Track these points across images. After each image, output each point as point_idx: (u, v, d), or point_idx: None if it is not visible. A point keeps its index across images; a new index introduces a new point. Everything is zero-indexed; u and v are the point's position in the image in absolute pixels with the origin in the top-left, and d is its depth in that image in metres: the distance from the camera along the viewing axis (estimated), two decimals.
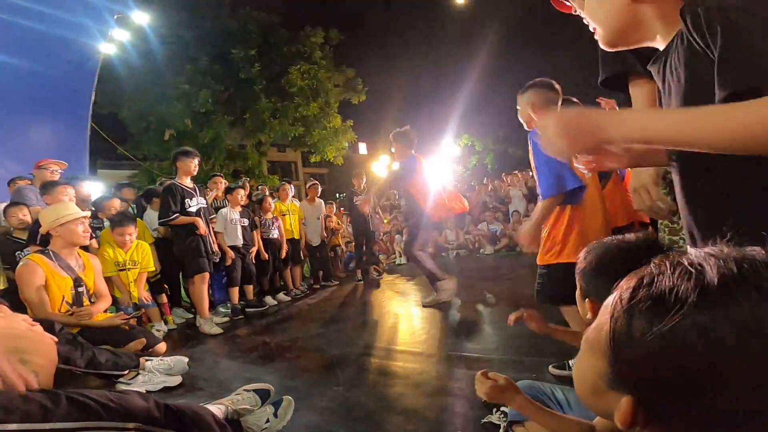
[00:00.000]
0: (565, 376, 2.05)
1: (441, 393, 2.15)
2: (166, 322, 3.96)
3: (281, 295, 5.17)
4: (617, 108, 2.62)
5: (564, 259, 2.05)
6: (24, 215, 3.42)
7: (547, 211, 2.06)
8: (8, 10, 5.39)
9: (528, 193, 9.31)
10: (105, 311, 3.06)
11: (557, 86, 2.13)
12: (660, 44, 0.87)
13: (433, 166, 4.50)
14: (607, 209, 2.22)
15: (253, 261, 4.82)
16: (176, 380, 2.51)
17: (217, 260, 4.25)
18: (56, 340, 1.83)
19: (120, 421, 1.04)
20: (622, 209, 2.47)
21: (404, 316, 3.93)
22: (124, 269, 3.65)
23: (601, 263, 0.97)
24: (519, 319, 1.57)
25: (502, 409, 1.74)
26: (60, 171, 4.10)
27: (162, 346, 2.94)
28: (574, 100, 2.46)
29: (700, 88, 0.73)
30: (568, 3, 1.58)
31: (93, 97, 7.68)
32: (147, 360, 2.56)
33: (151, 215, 4.27)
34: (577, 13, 1.66)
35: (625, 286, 0.44)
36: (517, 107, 2.24)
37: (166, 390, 2.44)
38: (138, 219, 4.03)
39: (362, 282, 6.08)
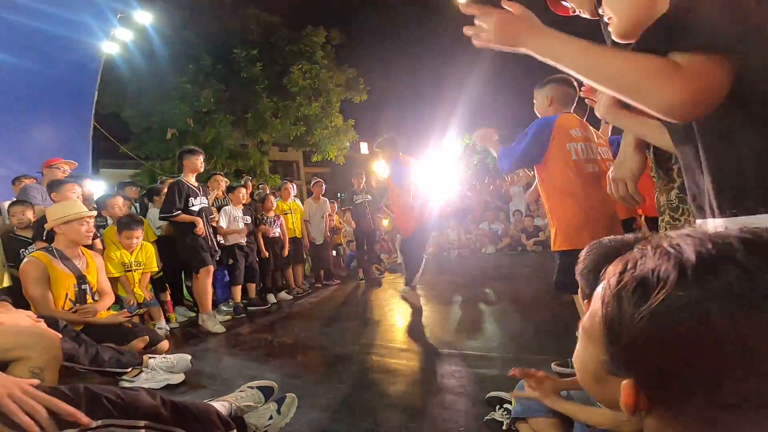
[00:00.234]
0: (568, 373, 2.06)
1: (443, 391, 2.16)
2: (168, 320, 3.97)
3: (283, 294, 5.18)
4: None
5: (567, 246, 2.08)
6: (24, 214, 3.43)
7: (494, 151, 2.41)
8: (11, 9, 5.40)
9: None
10: (108, 309, 3.07)
11: (575, 83, 2.20)
12: None
13: (422, 168, 4.38)
14: (612, 202, 2.23)
15: (257, 259, 4.83)
16: (179, 378, 2.52)
17: (218, 258, 4.27)
18: (60, 336, 1.84)
19: (130, 418, 1.04)
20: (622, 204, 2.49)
21: (406, 315, 3.93)
22: (130, 270, 3.67)
23: (599, 264, 0.97)
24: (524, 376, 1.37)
25: (505, 406, 1.74)
26: (69, 171, 4.13)
27: (165, 344, 2.95)
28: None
29: None
30: (565, 4, 1.59)
31: (96, 97, 7.69)
32: (150, 358, 2.57)
33: (154, 213, 4.28)
34: (576, 13, 1.67)
35: (611, 272, 0.46)
36: (534, 101, 2.35)
37: (169, 387, 2.44)
38: (141, 218, 4.05)
39: (364, 281, 6.08)
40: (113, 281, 3.49)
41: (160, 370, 2.51)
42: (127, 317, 2.88)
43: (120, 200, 4.14)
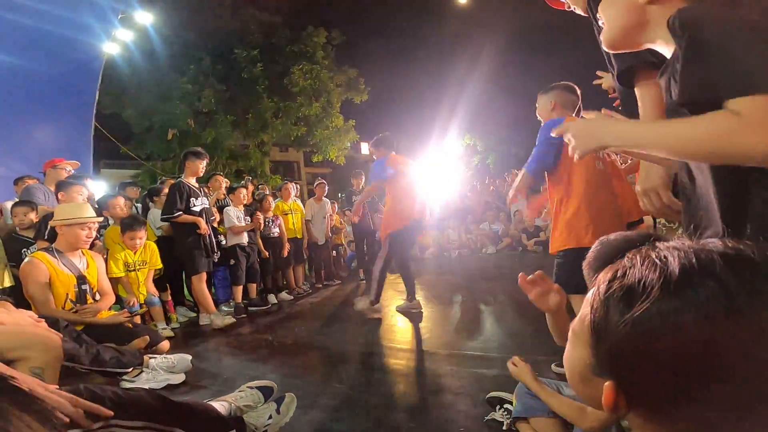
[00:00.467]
0: None
1: (444, 391, 2.16)
2: (169, 321, 3.97)
3: (284, 294, 5.18)
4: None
5: (571, 244, 2.08)
6: (27, 215, 3.43)
7: (522, 183, 2.30)
8: (12, 9, 5.41)
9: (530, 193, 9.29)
10: (109, 309, 3.08)
11: (578, 90, 2.31)
12: (663, 48, 0.89)
13: (419, 168, 4.18)
14: (620, 204, 2.23)
15: (259, 259, 4.84)
16: (180, 378, 2.52)
17: (216, 259, 4.28)
18: (61, 336, 1.85)
19: (131, 419, 1.04)
20: (634, 205, 2.49)
21: (406, 315, 3.93)
22: (134, 270, 3.68)
23: (600, 261, 0.97)
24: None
25: (506, 406, 1.74)
26: (72, 171, 4.14)
27: (165, 344, 2.96)
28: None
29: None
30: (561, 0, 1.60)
31: (97, 97, 7.70)
32: (151, 358, 2.57)
33: (155, 214, 4.29)
34: (571, 8, 1.67)
35: (602, 279, 0.48)
36: (536, 104, 2.38)
37: (170, 388, 2.44)
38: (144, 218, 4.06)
39: (364, 281, 6.08)
40: (115, 281, 3.50)
41: (161, 370, 2.51)
42: (127, 317, 2.88)
43: (121, 200, 4.14)
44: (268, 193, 5.84)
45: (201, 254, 3.90)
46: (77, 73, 7.05)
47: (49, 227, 3.10)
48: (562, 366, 1.93)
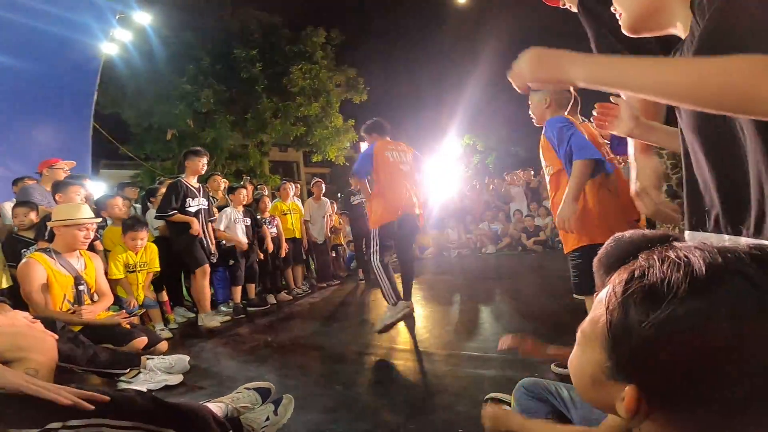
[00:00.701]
0: (568, 374, 2.04)
1: (442, 392, 2.15)
2: (167, 321, 3.96)
3: (283, 294, 5.17)
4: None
5: (585, 242, 2.06)
6: (27, 216, 3.42)
7: (582, 178, 1.99)
8: (10, 9, 5.40)
9: (530, 192, 9.29)
10: (107, 310, 3.07)
11: (571, 87, 2.17)
12: (681, 32, 0.86)
13: (407, 155, 3.58)
14: (623, 202, 2.21)
15: (259, 258, 4.83)
16: (177, 379, 2.51)
17: (215, 261, 4.26)
18: (56, 337, 1.83)
19: (120, 419, 1.03)
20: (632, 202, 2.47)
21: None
22: (134, 271, 3.67)
23: (613, 258, 0.95)
24: (511, 348, 1.52)
25: (504, 407, 1.73)
26: (69, 170, 4.14)
27: (163, 345, 2.95)
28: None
29: None
30: None
31: (95, 97, 7.69)
32: (148, 359, 2.56)
33: (152, 214, 4.29)
34: (566, 6, 1.66)
35: (617, 280, 0.46)
36: (529, 102, 2.30)
37: (168, 389, 2.44)
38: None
39: (363, 281, 6.07)
40: (114, 283, 3.48)
41: (158, 371, 2.50)
42: (125, 318, 2.87)
43: (119, 201, 4.13)
44: (265, 193, 5.83)
45: (199, 249, 3.89)
46: (75, 74, 7.04)
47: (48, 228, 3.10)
48: (561, 367, 1.92)
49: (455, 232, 8.84)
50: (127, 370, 2.44)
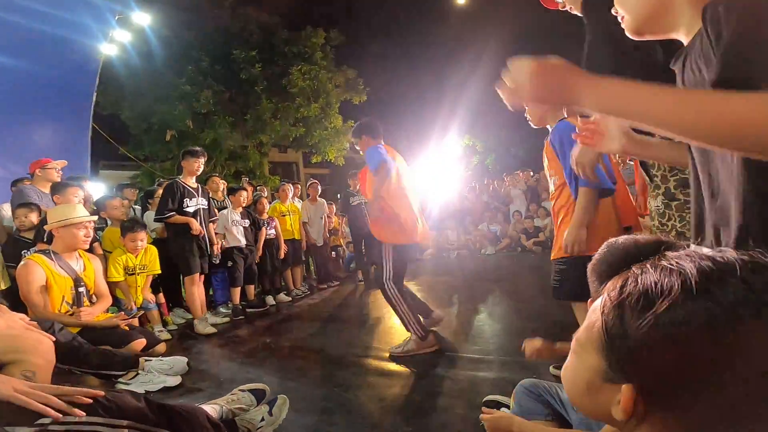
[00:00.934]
0: None
1: (441, 393, 2.14)
2: (165, 324, 3.95)
3: (282, 296, 5.17)
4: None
5: (591, 250, 2.03)
6: (27, 216, 3.42)
7: (588, 206, 1.94)
8: (10, 10, 5.39)
9: (529, 193, 9.30)
10: (106, 311, 3.06)
11: None
12: (683, 37, 0.84)
13: (410, 167, 3.28)
14: (618, 206, 2.19)
15: (258, 260, 4.82)
16: (175, 380, 2.50)
17: (217, 262, 4.26)
18: (54, 339, 1.83)
19: (112, 418, 1.03)
20: (630, 209, 2.46)
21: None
22: (133, 274, 3.66)
23: (606, 264, 0.95)
24: (536, 356, 1.60)
25: (503, 409, 1.73)
26: (61, 170, 4.12)
27: (162, 347, 2.94)
28: None
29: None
30: (555, 0, 1.58)
31: (94, 98, 7.69)
32: (146, 360, 2.55)
33: (149, 216, 4.28)
34: (565, 8, 1.66)
35: (611, 287, 0.48)
36: (525, 106, 2.19)
37: (166, 390, 2.43)
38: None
39: (363, 282, 6.06)
40: (114, 286, 3.47)
41: (157, 372, 2.50)
42: (124, 320, 2.87)
43: (119, 201, 4.14)
44: (265, 194, 5.82)
45: (194, 255, 3.87)
46: (75, 74, 7.03)
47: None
48: (559, 369, 1.91)
49: (454, 233, 8.85)
50: (125, 372, 2.43)
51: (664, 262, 0.44)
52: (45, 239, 3.07)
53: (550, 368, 2.18)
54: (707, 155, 0.79)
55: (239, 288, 4.55)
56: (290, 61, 13.65)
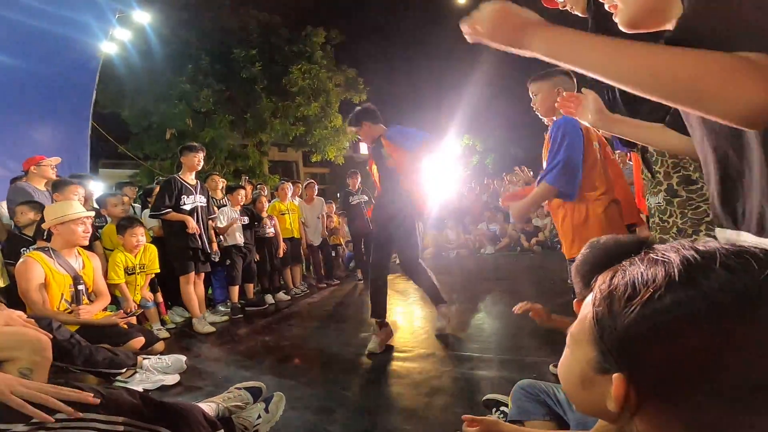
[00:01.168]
0: None
1: (440, 393, 2.14)
2: (164, 323, 3.94)
3: (281, 295, 5.16)
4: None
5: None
6: (24, 213, 3.41)
7: (542, 199, 2.07)
8: (10, 8, 5.38)
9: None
10: (104, 309, 3.06)
11: (573, 77, 2.07)
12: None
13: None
14: (621, 205, 2.17)
15: (256, 259, 4.82)
16: (174, 379, 2.51)
17: (217, 259, 4.25)
18: (51, 337, 1.83)
19: (110, 415, 1.03)
20: (633, 207, 2.46)
21: (403, 316, 3.92)
22: (134, 273, 3.65)
23: (596, 264, 0.95)
24: (525, 311, 1.64)
25: (502, 408, 1.73)
26: (55, 167, 4.11)
27: (160, 345, 2.94)
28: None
29: None
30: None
31: (94, 97, 7.67)
32: (144, 358, 2.55)
33: (147, 214, 4.26)
34: (565, 8, 1.65)
35: (601, 281, 0.49)
36: (534, 95, 2.13)
37: (164, 388, 2.43)
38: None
39: (362, 281, 6.06)
40: (113, 288, 3.46)
41: (155, 370, 2.50)
42: (123, 318, 2.86)
43: (119, 199, 4.14)
44: (264, 193, 5.81)
45: (189, 255, 3.85)
46: (74, 73, 7.02)
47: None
48: None
49: (454, 233, 8.84)
50: (124, 370, 2.43)
51: (651, 254, 0.45)
52: (45, 237, 3.07)
53: (550, 367, 2.18)
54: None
55: (237, 286, 4.55)
56: (290, 60, 13.63)
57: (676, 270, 0.42)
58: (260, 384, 1.82)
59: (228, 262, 4.50)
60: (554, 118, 2.10)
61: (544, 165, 2.26)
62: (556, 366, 2.16)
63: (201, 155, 4.00)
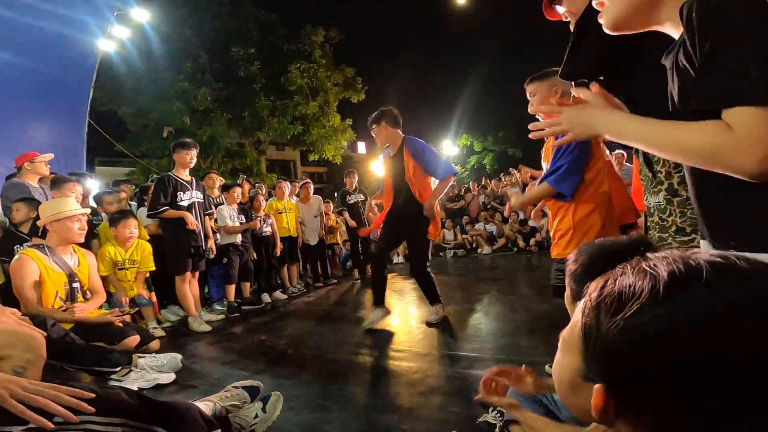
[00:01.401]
0: None
1: (437, 392, 2.14)
2: (159, 322, 3.92)
3: (278, 293, 5.15)
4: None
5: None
6: (18, 210, 3.39)
7: (540, 198, 2.14)
8: (7, 5, 5.36)
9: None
10: (99, 308, 3.04)
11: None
12: (673, 32, 0.83)
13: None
14: (614, 205, 2.17)
15: (253, 257, 4.81)
16: (169, 377, 2.49)
17: (212, 257, 4.22)
18: (45, 335, 1.81)
19: (107, 416, 1.02)
20: (629, 207, 2.46)
21: (401, 315, 3.92)
22: (123, 268, 3.62)
23: (591, 266, 0.95)
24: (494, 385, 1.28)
25: (498, 408, 1.72)
26: (48, 163, 4.08)
27: (156, 344, 2.92)
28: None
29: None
30: (558, 9, 1.59)
31: (91, 94, 7.64)
32: (140, 357, 2.54)
33: (143, 213, 4.24)
34: (567, 19, 1.67)
35: (593, 287, 0.49)
36: (532, 95, 2.14)
37: (159, 387, 2.42)
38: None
39: (359, 281, 6.05)
40: (103, 280, 3.44)
41: (150, 369, 2.48)
42: (118, 316, 2.85)
43: (116, 196, 4.12)
44: (262, 192, 5.80)
45: (185, 254, 3.83)
46: (72, 70, 6.99)
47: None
48: None
49: (451, 233, 8.85)
50: (118, 369, 2.42)
51: (643, 264, 0.46)
52: (40, 234, 3.06)
53: (546, 367, 2.18)
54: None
55: (234, 285, 4.54)
56: (289, 59, 13.64)
57: (661, 284, 0.42)
58: (258, 383, 1.81)
59: (225, 260, 4.49)
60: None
61: (544, 166, 2.26)
62: (551, 367, 2.17)
63: (194, 152, 3.94)
